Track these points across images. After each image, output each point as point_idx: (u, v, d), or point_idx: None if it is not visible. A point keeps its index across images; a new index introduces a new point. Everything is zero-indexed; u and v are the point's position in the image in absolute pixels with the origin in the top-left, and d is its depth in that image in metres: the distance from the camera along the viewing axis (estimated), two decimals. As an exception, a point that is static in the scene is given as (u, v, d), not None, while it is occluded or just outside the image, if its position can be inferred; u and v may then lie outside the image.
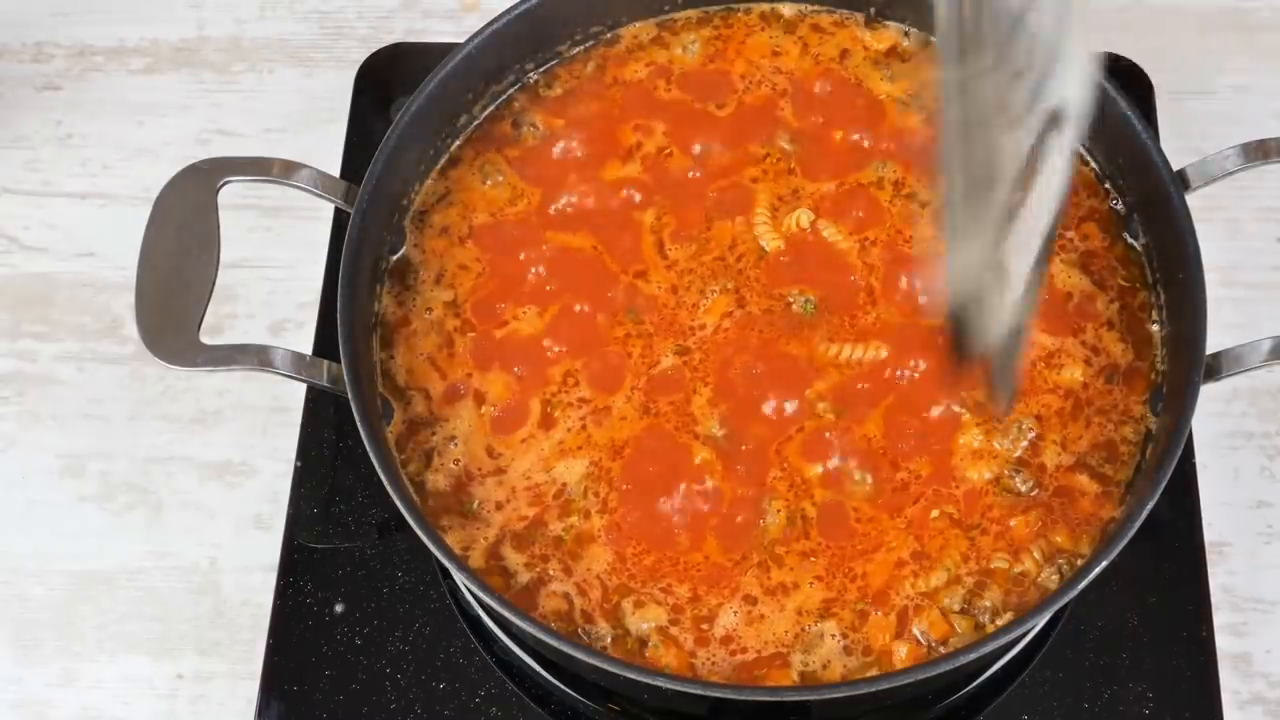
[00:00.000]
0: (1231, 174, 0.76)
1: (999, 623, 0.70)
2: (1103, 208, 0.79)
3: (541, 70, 0.84)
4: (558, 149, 0.82)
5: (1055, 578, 0.72)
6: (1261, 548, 0.84)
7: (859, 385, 0.75)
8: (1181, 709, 0.77)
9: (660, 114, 0.83)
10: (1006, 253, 0.56)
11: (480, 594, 0.68)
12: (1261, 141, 0.76)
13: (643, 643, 0.71)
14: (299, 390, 0.85)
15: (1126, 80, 0.87)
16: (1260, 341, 0.72)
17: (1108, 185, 0.80)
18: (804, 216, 0.80)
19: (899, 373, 0.75)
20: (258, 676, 0.78)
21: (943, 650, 0.70)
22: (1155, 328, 0.77)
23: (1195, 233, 0.73)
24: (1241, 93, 0.98)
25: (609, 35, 0.85)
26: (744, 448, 0.74)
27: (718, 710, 0.71)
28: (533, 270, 0.79)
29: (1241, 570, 0.83)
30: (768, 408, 0.75)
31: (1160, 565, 0.79)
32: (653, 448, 0.75)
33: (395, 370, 0.77)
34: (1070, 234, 0.79)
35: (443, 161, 0.82)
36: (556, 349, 0.77)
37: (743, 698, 0.68)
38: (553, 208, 0.81)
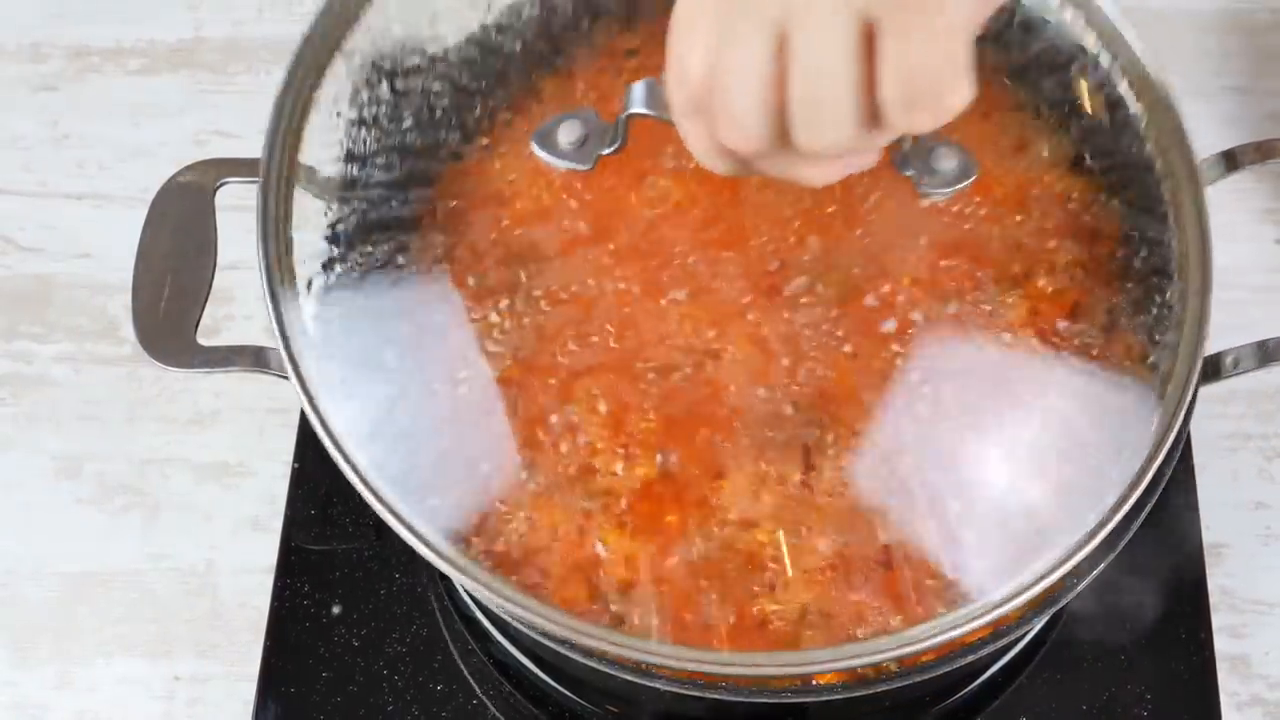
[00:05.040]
0: (1229, 176, 0.76)
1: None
2: (1102, 202, 0.79)
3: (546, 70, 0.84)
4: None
5: (1055, 579, 0.71)
6: (1260, 549, 0.84)
7: (857, 391, 0.75)
8: (1180, 710, 0.76)
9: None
10: None
11: (478, 592, 0.68)
12: (1259, 143, 0.76)
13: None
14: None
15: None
16: (1259, 342, 0.72)
17: (1109, 179, 0.79)
18: None
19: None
20: (255, 678, 0.78)
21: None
22: (1153, 329, 0.76)
23: (1209, 233, 0.73)
24: (1240, 94, 0.97)
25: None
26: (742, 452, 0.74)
27: (716, 711, 0.71)
28: (530, 265, 0.78)
29: (1240, 572, 0.83)
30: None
31: (1159, 566, 0.79)
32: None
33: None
34: (1066, 234, 0.78)
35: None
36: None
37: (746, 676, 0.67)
38: (556, 207, 0.80)
